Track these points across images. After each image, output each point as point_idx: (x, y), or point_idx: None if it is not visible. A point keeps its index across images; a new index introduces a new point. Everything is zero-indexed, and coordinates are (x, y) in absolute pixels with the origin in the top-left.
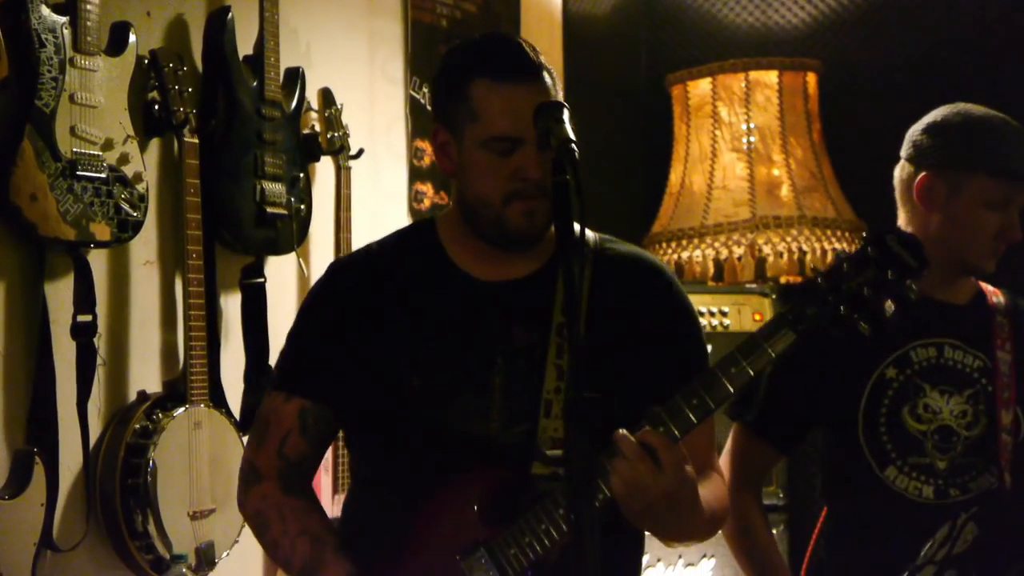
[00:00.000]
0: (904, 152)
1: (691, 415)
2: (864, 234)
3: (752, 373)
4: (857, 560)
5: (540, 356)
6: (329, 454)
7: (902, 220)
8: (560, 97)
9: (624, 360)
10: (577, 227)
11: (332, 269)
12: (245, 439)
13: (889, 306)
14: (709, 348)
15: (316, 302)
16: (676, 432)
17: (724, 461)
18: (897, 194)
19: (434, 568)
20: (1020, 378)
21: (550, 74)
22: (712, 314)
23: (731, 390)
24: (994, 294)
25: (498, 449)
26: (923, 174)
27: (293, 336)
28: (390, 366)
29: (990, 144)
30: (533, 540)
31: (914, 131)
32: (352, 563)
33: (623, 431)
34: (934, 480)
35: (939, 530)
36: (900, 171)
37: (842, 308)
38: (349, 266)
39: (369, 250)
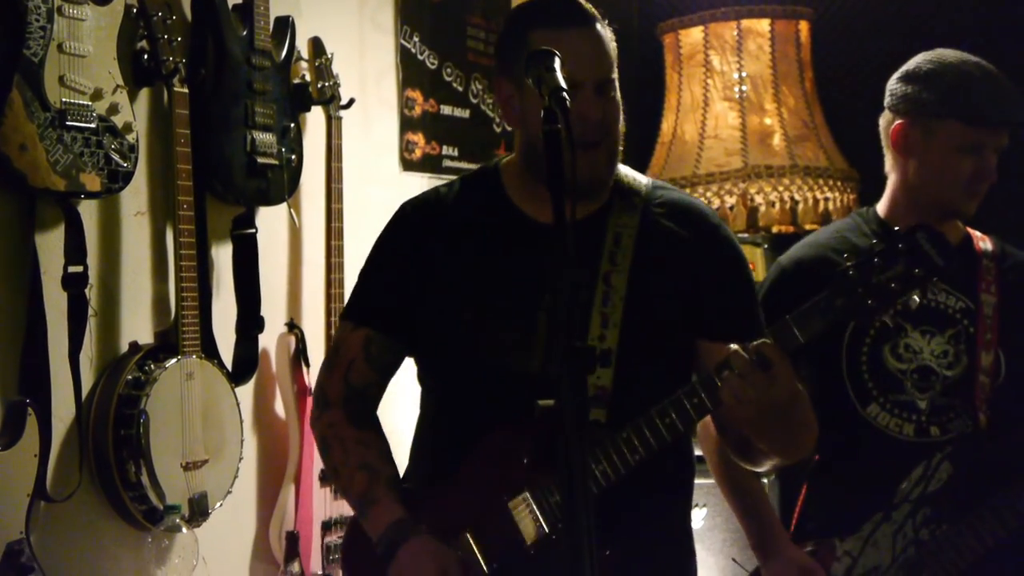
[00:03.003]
0: (885, 100)
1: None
2: (895, 228)
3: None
4: (839, 498)
5: (587, 300)
6: None
7: (887, 166)
8: (614, 51)
9: (671, 306)
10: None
11: (402, 207)
12: (237, 390)
13: (914, 300)
14: None
15: (385, 238)
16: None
17: None
18: (883, 142)
19: (482, 505)
20: (1003, 322)
21: (605, 27)
22: None
23: (800, 340)
24: (981, 239)
25: (541, 387)
26: (898, 122)
27: (364, 269)
28: (447, 300)
29: (960, 90)
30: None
31: (892, 79)
32: (401, 502)
33: (735, 346)
34: (916, 418)
35: (915, 469)
36: (883, 119)
37: (870, 301)
38: (417, 205)
39: (437, 191)
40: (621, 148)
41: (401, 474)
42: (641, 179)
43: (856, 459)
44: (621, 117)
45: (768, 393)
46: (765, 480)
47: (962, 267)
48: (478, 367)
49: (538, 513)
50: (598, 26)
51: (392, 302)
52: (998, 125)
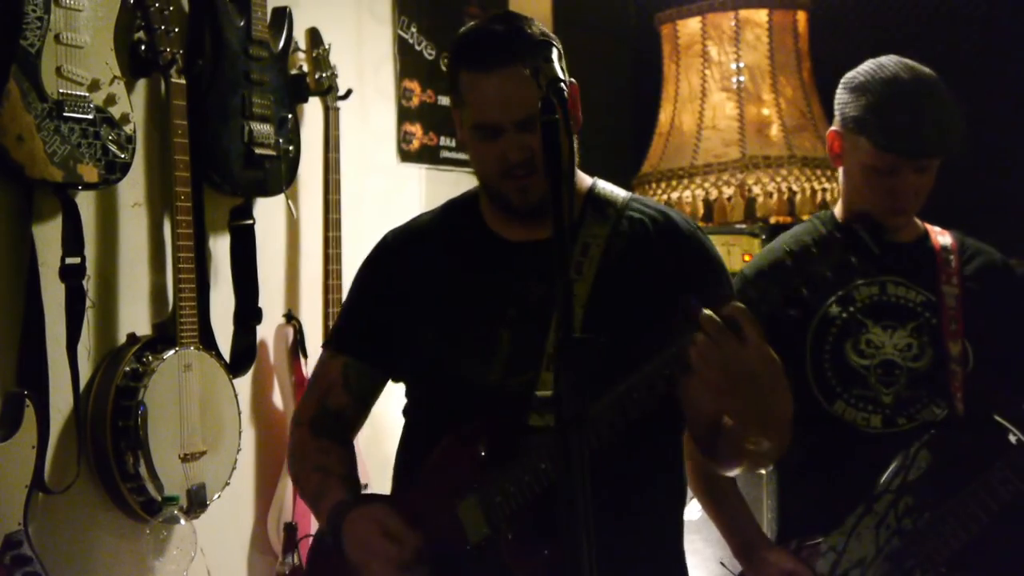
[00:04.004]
0: None
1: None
2: (834, 215)
3: None
4: (817, 495)
5: (548, 311)
6: None
7: None
8: (559, 71)
9: (632, 314)
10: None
11: (384, 238)
12: (235, 381)
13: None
14: None
15: (365, 268)
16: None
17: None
18: None
19: (435, 509)
20: (967, 311)
21: (538, 53)
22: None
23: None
24: (940, 234)
25: (497, 396)
26: (831, 129)
27: (345, 300)
28: (416, 322)
29: (878, 111)
30: (516, 492)
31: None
32: (350, 494)
33: (706, 310)
34: (882, 410)
35: (894, 460)
36: None
37: (805, 291)
38: (397, 234)
39: (420, 219)
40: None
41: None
42: (620, 194)
43: (829, 456)
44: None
45: (738, 356)
46: (763, 472)
47: (920, 261)
48: (441, 384)
49: (483, 515)
50: (520, 63)
51: (370, 330)
52: (902, 154)
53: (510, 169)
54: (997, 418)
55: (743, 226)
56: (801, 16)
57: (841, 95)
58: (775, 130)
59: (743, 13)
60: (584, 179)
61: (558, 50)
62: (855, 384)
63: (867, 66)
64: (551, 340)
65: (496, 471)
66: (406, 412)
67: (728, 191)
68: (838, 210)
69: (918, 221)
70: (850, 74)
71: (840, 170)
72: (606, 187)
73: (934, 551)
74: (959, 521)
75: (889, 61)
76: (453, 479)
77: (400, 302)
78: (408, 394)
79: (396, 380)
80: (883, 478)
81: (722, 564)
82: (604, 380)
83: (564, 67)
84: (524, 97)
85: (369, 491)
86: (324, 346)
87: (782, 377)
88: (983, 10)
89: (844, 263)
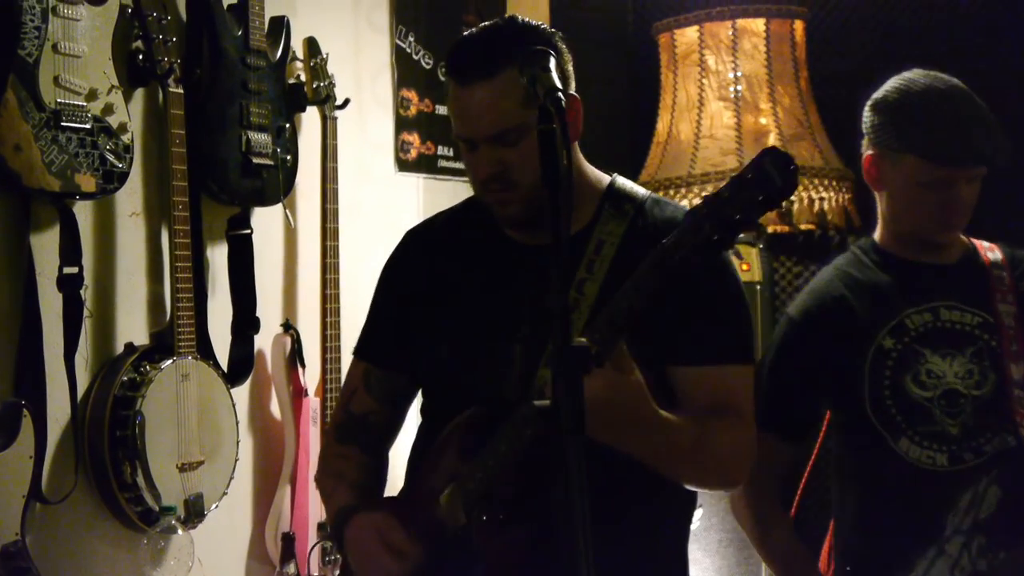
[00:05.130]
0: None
1: (619, 317)
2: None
3: None
4: (877, 543)
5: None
6: None
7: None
8: (523, 93)
9: (652, 316)
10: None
11: (404, 239)
12: (233, 390)
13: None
14: None
15: (385, 272)
16: (620, 322)
17: None
18: None
19: (422, 505)
20: None
21: (534, 61)
22: None
23: (655, 284)
24: (989, 249)
25: (507, 408)
26: (867, 153)
27: (371, 304)
28: (435, 331)
29: (921, 126)
30: (483, 476)
31: (866, 107)
32: (356, 497)
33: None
34: (947, 447)
35: (961, 498)
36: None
37: (716, 236)
38: (417, 235)
39: (437, 218)
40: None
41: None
42: (639, 191)
43: (893, 495)
44: (538, 157)
45: (586, 387)
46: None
47: (971, 281)
48: (453, 398)
49: (461, 503)
50: (500, 75)
51: (388, 336)
52: (958, 165)
53: (484, 184)
54: None
55: (741, 235)
56: (798, 25)
57: (873, 117)
58: (773, 139)
59: (740, 22)
60: (601, 177)
61: (560, 54)
62: (920, 418)
63: (895, 83)
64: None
65: (470, 458)
66: (423, 413)
67: None
68: (879, 236)
69: (964, 237)
70: (878, 95)
71: (879, 195)
72: (625, 184)
73: None
74: None
75: (916, 75)
76: (440, 473)
77: (418, 305)
78: (423, 399)
79: (418, 384)
80: (952, 518)
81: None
82: None
83: (570, 72)
84: (500, 111)
85: None
86: (352, 353)
87: (650, 410)
88: (984, 16)
89: (892, 292)
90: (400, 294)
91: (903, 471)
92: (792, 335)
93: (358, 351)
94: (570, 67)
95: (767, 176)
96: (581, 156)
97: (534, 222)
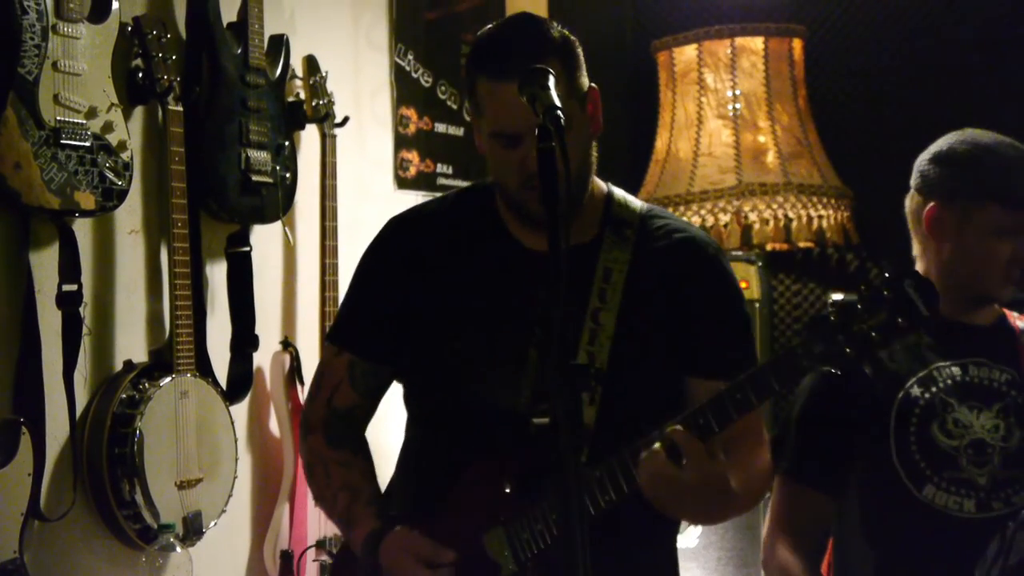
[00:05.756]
0: (913, 182)
1: (732, 410)
2: (885, 274)
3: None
4: None
5: (574, 337)
6: None
7: (916, 249)
8: (583, 80)
9: (665, 334)
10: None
11: (388, 225)
12: (232, 408)
13: (893, 350)
14: None
15: (370, 258)
16: (716, 427)
17: (771, 515)
18: (909, 224)
19: (460, 537)
20: None
21: (560, 58)
22: None
23: (775, 388)
24: (1019, 318)
25: (526, 424)
26: (932, 204)
27: (349, 288)
28: (434, 329)
29: (998, 173)
30: (544, 528)
31: (921, 160)
32: (380, 518)
33: (677, 427)
34: (975, 493)
35: (990, 545)
36: (910, 201)
37: (849, 349)
38: (405, 223)
39: (427, 207)
40: (588, 187)
41: (385, 485)
42: (635, 205)
43: (920, 544)
44: (582, 153)
45: (679, 477)
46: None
47: (1001, 341)
48: (465, 402)
49: (509, 549)
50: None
51: (376, 327)
52: None
53: (530, 178)
54: None
55: (739, 253)
56: (797, 44)
57: (937, 169)
58: (771, 157)
59: (739, 40)
60: (601, 186)
61: (579, 53)
62: (946, 466)
63: (957, 139)
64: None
65: (523, 503)
66: (414, 414)
67: (724, 218)
68: None
69: (995, 305)
70: (941, 149)
71: (933, 248)
72: (623, 200)
73: None
74: None
75: (973, 132)
76: (479, 510)
77: (412, 300)
78: (415, 398)
79: (402, 380)
80: (980, 566)
81: None
82: (640, 413)
83: (583, 66)
84: None
85: None
86: (328, 339)
87: (725, 490)
88: (980, 34)
89: (924, 344)
90: (387, 284)
91: (928, 520)
92: (822, 384)
93: (341, 341)
94: (583, 60)
95: (909, 301)
96: (594, 155)
97: (568, 217)
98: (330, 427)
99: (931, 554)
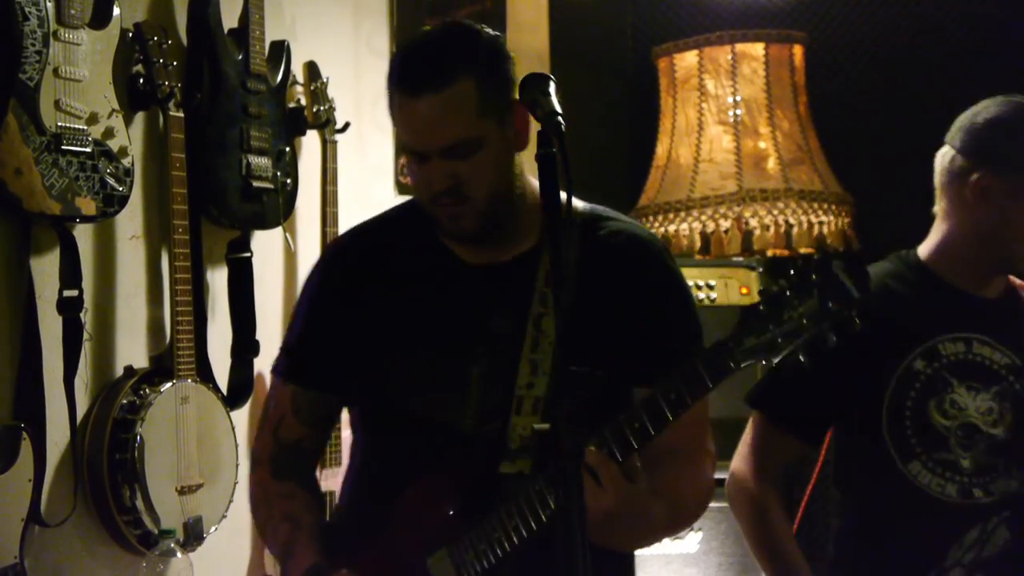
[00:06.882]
0: (957, 142)
1: (667, 410)
2: (814, 255)
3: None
4: (876, 557)
5: (516, 348)
6: None
7: (941, 208)
8: (476, 104)
9: (612, 338)
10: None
11: (329, 251)
12: (233, 414)
13: (831, 338)
14: None
15: (311, 286)
16: (651, 429)
17: (744, 449)
18: (941, 183)
19: (403, 562)
20: None
21: (478, 75)
22: (699, 287)
23: (709, 385)
24: (1022, 287)
25: (470, 443)
26: (982, 171)
27: (291, 319)
28: (377, 349)
29: None
30: (487, 548)
31: (972, 124)
32: (320, 553)
33: (593, 448)
34: (958, 478)
35: (969, 532)
36: (949, 162)
37: (780, 340)
38: (344, 247)
39: (367, 226)
40: (515, 202)
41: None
42: (580, 208)
43: (895, 520)
44: (495, 173)
45: (596, 500)
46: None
47: (1007, 319)
48: (408, 421)
49: (454, 570)
50: (453, 86)
51: (317, 356)
52: None
53: (435, 197)
54: None
55: (740, 259)
56: (797, 50)
57: (993, 137)
58: (772, 163)
59: (740, 47)
60: (535, 187)
61: (507, 61)
62: (935, 446)
63: (1010, 107)
64: (520, 383)
65: (467, 523)
66: (359, 434)
67: (725, 224)
68: (928, 254)
69: (1005, 275)
70: (992, 116)
71: (952, 213)
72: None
73: None
74: None
75: (1013, 98)
76: (422, 532)
77: (354, 324)
78: (359, 418)
79: (348, 405)
80: (955, 551)
81: None
82: (588, 409)
83: (506, 81)
84: (454, 123)
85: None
86: (272, 371)
87: (646, 512)
88: (982, 39)
89: (930, 314)
90: (329, 311)
91: (910, 495)
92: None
93: (284, 373)
94: (514, 73)
95: (839, 283)
96: (522, 168)
97: (485, 238)
98: (276, 460)
99: (909, 528)
